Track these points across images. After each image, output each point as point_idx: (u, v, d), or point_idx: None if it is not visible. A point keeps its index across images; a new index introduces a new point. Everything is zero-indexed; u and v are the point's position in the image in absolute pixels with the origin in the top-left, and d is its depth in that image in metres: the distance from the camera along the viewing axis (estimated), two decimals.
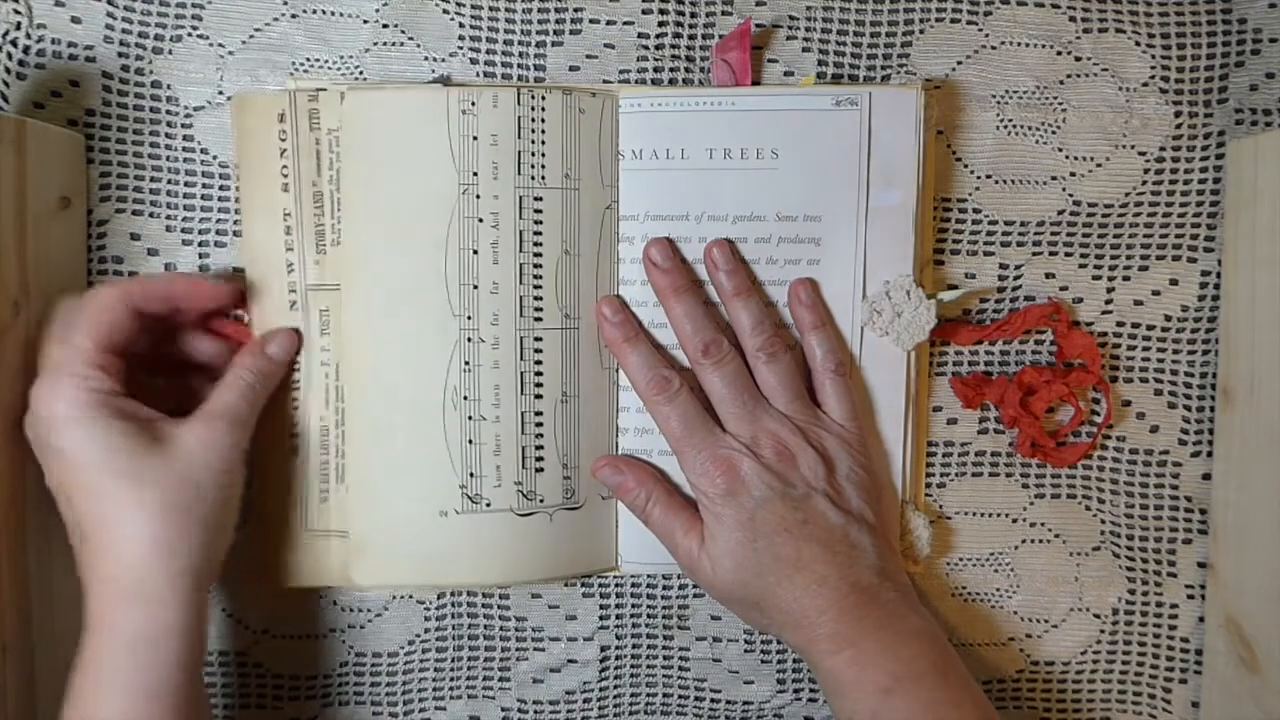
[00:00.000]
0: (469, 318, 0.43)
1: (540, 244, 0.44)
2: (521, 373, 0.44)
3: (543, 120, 0.43)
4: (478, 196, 0.43)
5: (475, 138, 0.43)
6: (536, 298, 0.44)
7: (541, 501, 0.44)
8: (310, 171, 0.43)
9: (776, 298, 0.45)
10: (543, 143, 0.43)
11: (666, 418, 0.43)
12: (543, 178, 0.43)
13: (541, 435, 0.44)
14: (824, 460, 0.42)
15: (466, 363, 0.43)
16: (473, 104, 0.42)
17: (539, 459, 0.44)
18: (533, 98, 0.43)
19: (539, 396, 0.44)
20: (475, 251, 0.43)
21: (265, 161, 0.43)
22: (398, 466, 0.43)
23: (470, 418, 0.43)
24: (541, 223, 0.44)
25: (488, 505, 0.44)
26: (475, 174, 0.43)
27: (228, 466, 0.40)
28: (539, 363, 0.44)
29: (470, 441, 0.43)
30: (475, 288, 0.43)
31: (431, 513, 0.43)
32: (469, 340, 0.43)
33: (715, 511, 0.42)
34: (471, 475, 0.43)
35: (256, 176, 0.43)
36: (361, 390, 0.43)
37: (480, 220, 0.43)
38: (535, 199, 0.43)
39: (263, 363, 0.42)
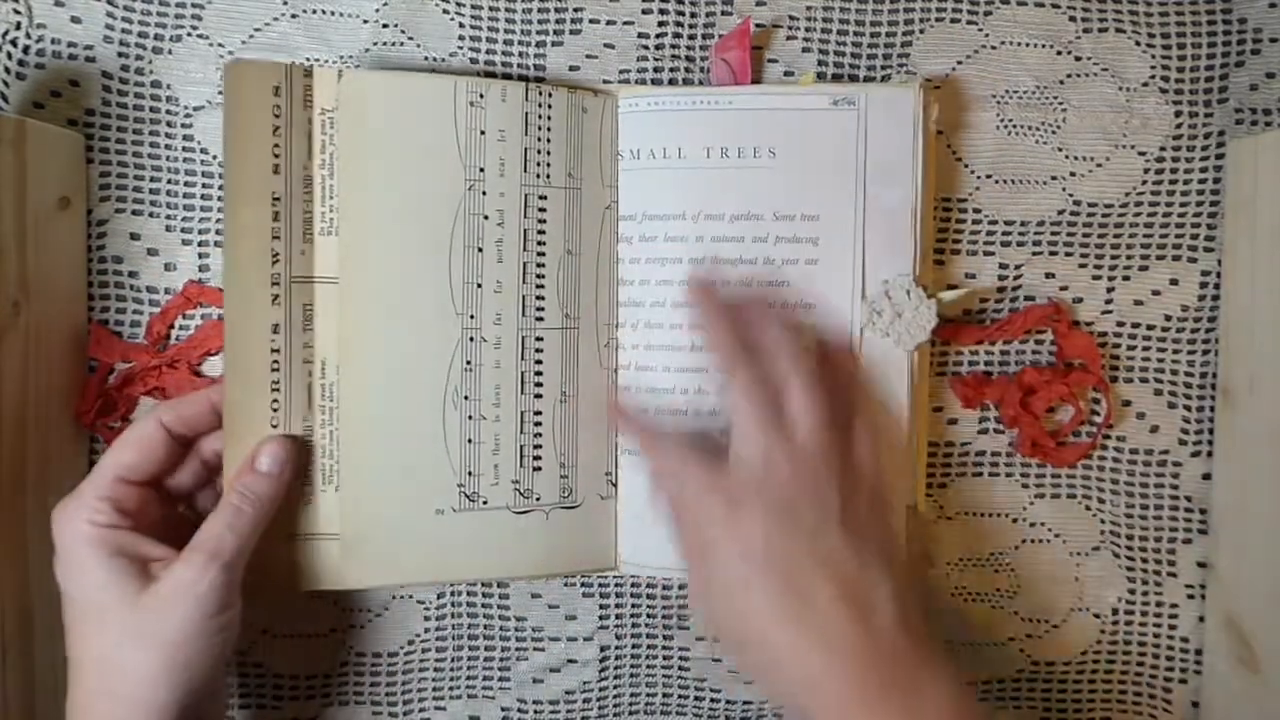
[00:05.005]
0: (471, 317, 0.43)
1: (544, 243, 0.44)
2: (522, 372, 0.44)
3: (549, 118, 0.43)
4: (484, 193, 0.42)
5: (483, 132, 0.42)
6: (539, 297, 0.44)
7: (538, 500, 0.44)
8: (301, 154, 0.41)
9: (775, 298, 0.45)
10: (548, 140, 0.43)
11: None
12: (548, 176, 0.43)
13: (540, 435, 0.44)
14: (839, 491, 0.38)
15: (468, 362, 0.43)
16: (481, 96, 0.42)
17: (536, 458, 0.44)
18: (540, 94, 0.43)
19: (539, 396, 0.44)
20: (480, 250, 0.43)
21: (257, 138, 0.40)
22: (394, 466, 0.42)
23: (470, 417, 0.43)
24: (545, 222, 0.43)
25: (484, 503, 0.43)
26: (482, 170, 0.42)
27: (213, 609, 0.37)
28: (539, 362, 0.44)
29: (470, 441, 0.43)
30: (479, 286, 0.43)
31: (428, 511, 0.43)
32: (471, 340, 0.43)
33: (712, 536, 0.38)
34: (470, 474, 0.43)
35: (246, 153, 0.40)
36: (358, 389, 0.42)
37: (486, 218, 0.43)
38: (540, 198, 0.43)
39: (254, 481, 0.39)
